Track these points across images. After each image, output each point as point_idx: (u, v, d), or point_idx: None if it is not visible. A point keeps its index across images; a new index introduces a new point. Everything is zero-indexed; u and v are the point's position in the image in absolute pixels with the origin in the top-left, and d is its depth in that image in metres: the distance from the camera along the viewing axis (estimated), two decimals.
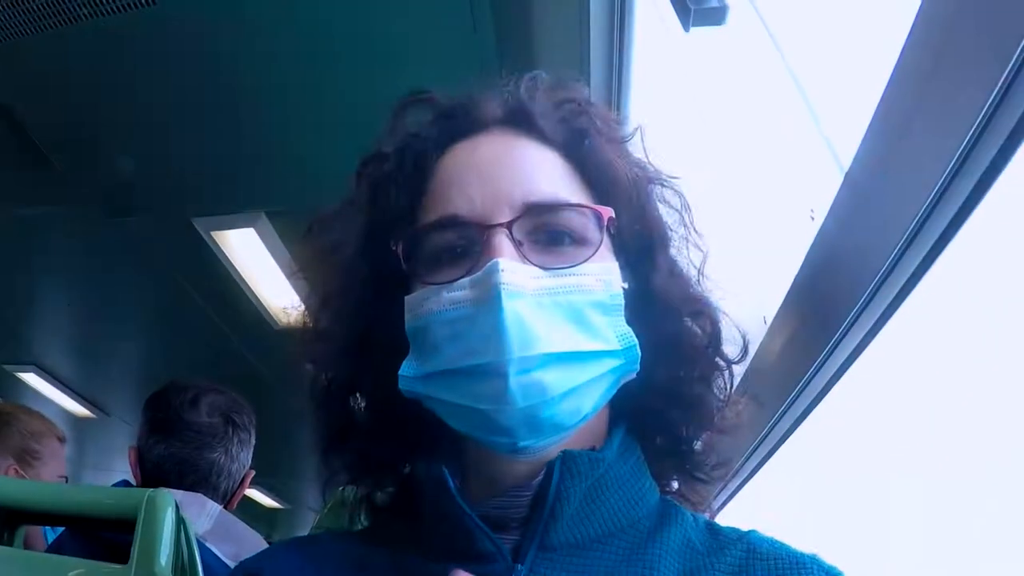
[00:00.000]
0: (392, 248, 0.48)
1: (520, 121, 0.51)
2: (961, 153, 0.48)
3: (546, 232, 0.46)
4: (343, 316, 0.53)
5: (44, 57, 1.74)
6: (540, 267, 0.44)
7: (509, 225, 0.44)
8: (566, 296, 0.44)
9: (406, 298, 0.48)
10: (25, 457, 1.59)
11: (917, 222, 0.54)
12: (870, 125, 0.58)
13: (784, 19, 0.78)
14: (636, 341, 0.45)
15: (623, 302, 0.46)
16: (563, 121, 0.51)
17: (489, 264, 0.42)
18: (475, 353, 0.42)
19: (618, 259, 0.49)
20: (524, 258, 0.44)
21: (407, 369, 0.46)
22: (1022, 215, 0.54)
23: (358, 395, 0.55)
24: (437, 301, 0.45)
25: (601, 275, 0.46)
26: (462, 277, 0.44)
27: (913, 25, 0.50)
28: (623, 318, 0.46)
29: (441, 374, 0.44)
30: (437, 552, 0.46)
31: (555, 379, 0.42)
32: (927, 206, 0.52)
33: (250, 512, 5.99)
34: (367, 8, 1.52)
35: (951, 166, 0.49)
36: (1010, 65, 0.41)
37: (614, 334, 0.45)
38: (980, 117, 0.45)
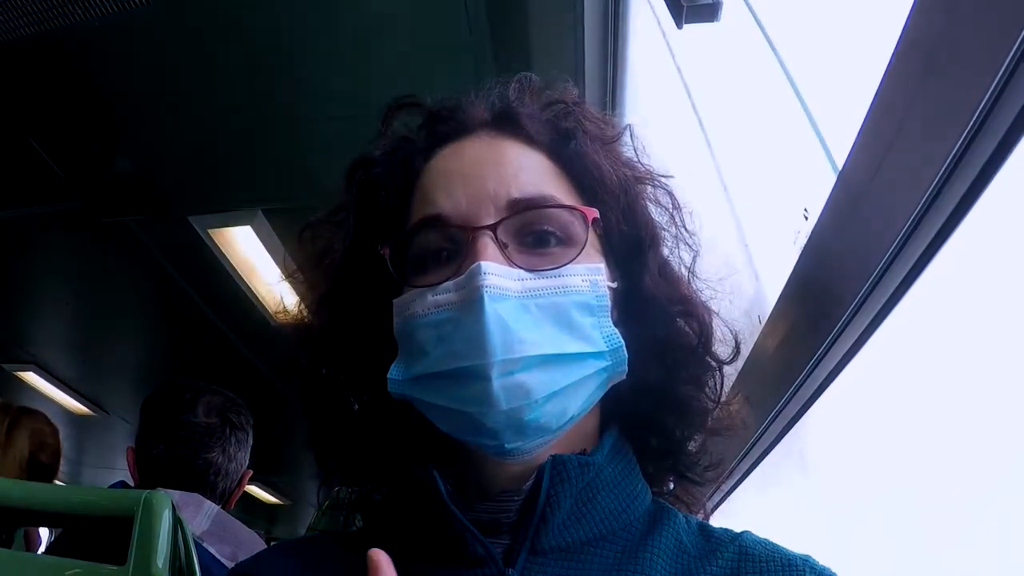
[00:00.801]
0: (379, 251, 0.48)
1: (506, 123, 0.51)
2: (956, 152, 0.47)
3: (532, 234, 0.46)
4: (335, 320, 0.53)
5: (42, 57, 1.74)
6: (525, 269, 0.44)
7: (494, 228, 0.44)
8: (551, 298, 0.44)
9: (393, 301, 0.48)
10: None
11: (912, 221, 0.53)
12: (864, 123, 0.58)
13: (778, 16, 0.77)
14: (622, 342, 0.45)
15: (609, 303, 0.46)
16: (550, 123, 0.51)
17: (473, 267, 0.42)
18: (459, 356, 0.42)
19: (607, 259, 0.49)
20: (509, 260, 0.44)
21: (395, 372, 0.46)
22: (1017, 213, 0.53)
23: (351, 398, 0.55)
24: (422, 304, 0.45)
25: (587, 275, 0.45)
26: (447, 280, 0.44)
27: (907, 22, 0.50)
28: (609, 318, 0.46)
29: (427, 377, 0.44)
30: (429, 555, 0.46)
31: (539, 381, 0.42)
32: (922, 205, 0.52)
33: (251, 509, 6.02)
34: (363, 10, 1.52)
35: (946, 165, 0.48)
36: (1006, 63, 0.41)
37: (600, 335, 0.45)
38: (976, 115, 0.44)
